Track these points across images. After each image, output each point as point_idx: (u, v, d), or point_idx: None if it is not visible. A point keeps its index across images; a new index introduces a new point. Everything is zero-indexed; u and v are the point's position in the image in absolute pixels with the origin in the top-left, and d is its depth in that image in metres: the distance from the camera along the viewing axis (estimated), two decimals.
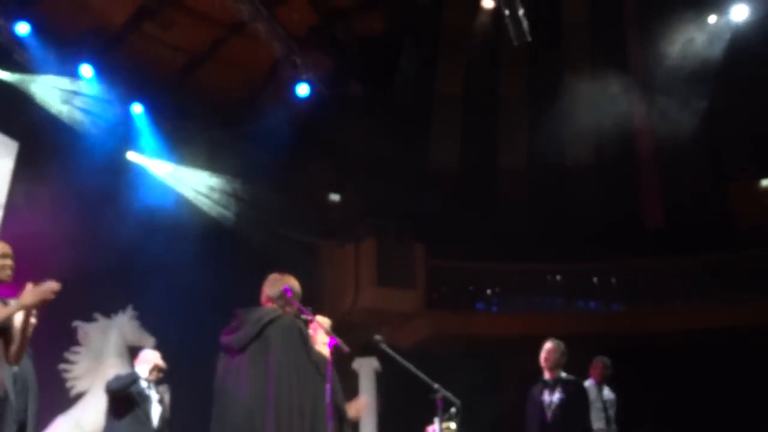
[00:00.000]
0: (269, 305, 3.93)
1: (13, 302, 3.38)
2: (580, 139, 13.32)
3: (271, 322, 3.73)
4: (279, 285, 3.95)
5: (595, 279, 13.09)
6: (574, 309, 12.81)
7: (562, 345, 5.99)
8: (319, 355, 3.84)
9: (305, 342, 3.76)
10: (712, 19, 11.58)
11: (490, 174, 13.98)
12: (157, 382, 6.80)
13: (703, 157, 13.10)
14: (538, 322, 11.86)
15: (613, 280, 13.03)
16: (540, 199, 13.44)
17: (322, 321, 4.25)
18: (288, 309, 3.91)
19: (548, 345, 5.99)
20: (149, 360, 5.62)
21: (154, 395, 5.58)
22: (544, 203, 13.36)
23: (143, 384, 5.48)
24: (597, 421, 6.28)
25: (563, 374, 5.96)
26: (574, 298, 13.05)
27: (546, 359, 5.94)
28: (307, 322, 3.97)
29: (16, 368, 4.51)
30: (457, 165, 13.86)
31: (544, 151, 12.96)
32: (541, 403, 5.84)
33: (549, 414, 5.78)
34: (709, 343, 10.89)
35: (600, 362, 6.70)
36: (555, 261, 13.08)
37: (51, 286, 3.34)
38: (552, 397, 5.82)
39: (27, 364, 4.70)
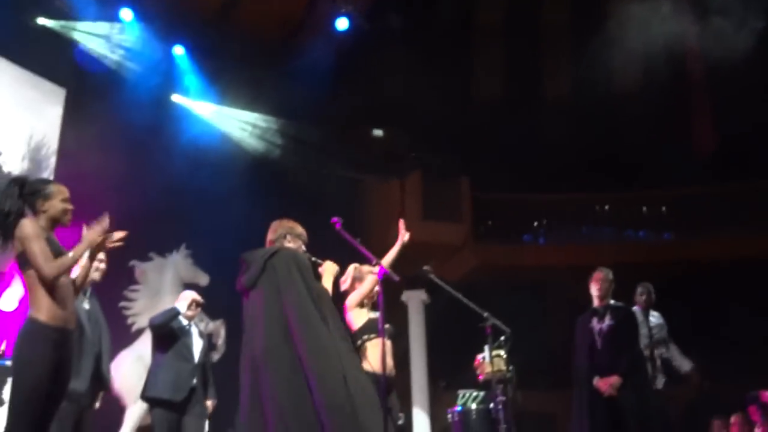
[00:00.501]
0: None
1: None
2: (627, 64, 12.90)
3: (272, 255, 3.91)
4: (280, 229, 4.17)
5: (644, 208, 12.89)
6: (623, 239, 12.68)
7: (610, 273, 6.06)
8: (321, 288, 3.93)
9: (302, 273, 3.86)
10: None
11: (535, 104, 13.72)
12: (210, 319, 7.05)
13: (758, 80, 12.58)
14: (586, 252, 11.79)
15: (663, 208, 12.82)
16: (586, 128, 13.15)
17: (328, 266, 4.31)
18: (290, 245, 4.07)
19: (597, 274, 6.07)
20: (187, 296, 5.82)
21: (194, 330, 5.78)
22: (591, 132, 13.08)
23: (183, 320, 5.68)
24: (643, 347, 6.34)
25: (612, 302, 6.02)
26: (623, 228, 12.91)
27: (596, 287, 5.98)
28: (310, 258, 4.09)
29: (87, 305, 4.76)
30: (500, 96, 13.63)
31: (590, 79, 12.63)
32: (591, 330, 5.94)
33: (599, 340, 5.88)
34: (763, 271, 10.70)
35: (644, 288, 6.69)
36: (603, 191, 12.91)
37: (103, 224, 3.62)
38: (602, 324, 5.92)
39: (95, 303, 4.94)
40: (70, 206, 3.65)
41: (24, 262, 3.43)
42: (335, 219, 4.24)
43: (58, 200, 3.61)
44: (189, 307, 5.74)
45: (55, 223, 3.60)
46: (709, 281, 11.20)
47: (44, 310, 3.37)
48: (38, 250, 3.37)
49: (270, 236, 4.18)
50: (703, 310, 11.00)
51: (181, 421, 5.45)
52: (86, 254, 3.65)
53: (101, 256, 4.68)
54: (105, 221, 3.61)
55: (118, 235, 3.76)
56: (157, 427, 5.48)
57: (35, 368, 3.32)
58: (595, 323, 5.95)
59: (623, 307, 6.08)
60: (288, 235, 4.13)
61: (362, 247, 4.27)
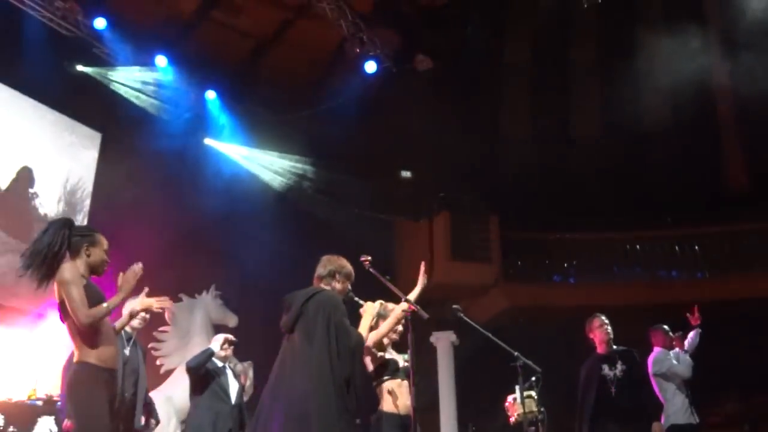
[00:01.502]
0: (316, 284, 4.09)
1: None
2: (656, 102, 12.88)
3: (309, 298, 3.88)
4: (329, 265, 4.12)
5: (676, 247, 12.71)
6: (656, 278, 12.48)
7: (605, 318, 6.04)
8: (351, 335, 3.82)
9: (327, 317, 3.79)
10: None
11: (564, 143, 13.70)
12: (238, 360, 7.05)
13: None
14: (618, 292, 11.63)
15: (696, 247, 12.62)
16: (616, 167, 13.08)
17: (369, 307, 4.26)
18: (337, 286, 4.05)
19: (599, 321, 6.01)
20: (219, 337, 5.85)
21: (228, 371, 5.80)
22: (621, 170, 13.01)
23: (218, 362, 5.71)
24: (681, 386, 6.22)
25: (615, 346, 5.97)
26: (654, 267, 12.72)
27: (602, 334, 5.95)
28: (352, 300, 4.06)
29: (127, 352, 4.84)
30: (529, 135, 13.65)
31: (618, 116, 12.61)
32: (602, 378, 5.83)
33: (614, 388, 5.77)
34: None
35: (659, 330, 6.58)
36: (633, 229, 12.78)
37: (135, 268, 3.75)
38: (614, 371, 5.82)
39: (135, 352, 5.01)
40: (108, 258, 3.78)
41: (65, 311, 3.52)
42: (364, 257, 4.26)
43: (101, 249, 3.73)
44: (222, 347, 5.78)
45: (93, 270, 3.70)
46: (744, 319, 10.95)
47: (92, 353, 3.48)
48: (77, 295, 3.46)
49: (319, 270, 4.13)
50: (740, 348, 10.75)
51: None
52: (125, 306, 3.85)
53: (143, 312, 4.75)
54: (138, 268, 3.70)
55: (164, 303, 4.02)
56: None
57: (95, 408, 3.42)
58: (606, 370, 5.84)
59: (628, 349, 6.00)
60: (337, 275, 4.11)
61: (391, 285, 4.28)
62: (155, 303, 3.99)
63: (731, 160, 13.25)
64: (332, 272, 4.09)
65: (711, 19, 12.75)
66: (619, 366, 5.87)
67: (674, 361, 6.38)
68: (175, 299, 9.02)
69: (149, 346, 8.67)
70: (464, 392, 11.29)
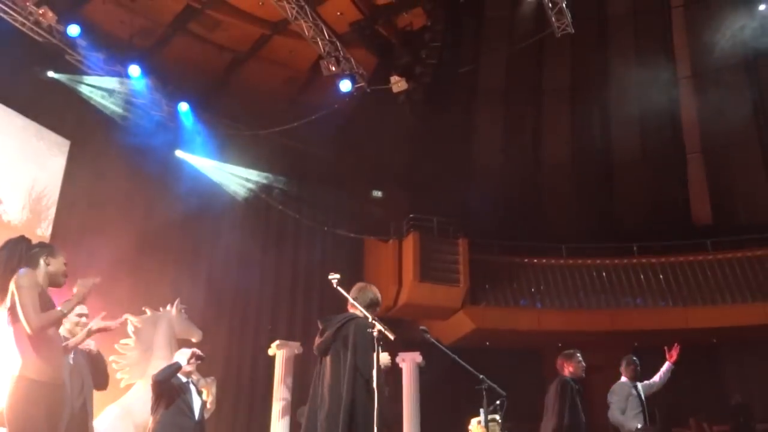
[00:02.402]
0: (351, 310, 4.12)
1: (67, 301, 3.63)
2: (626, 130, 13.13)
3: (347, 321, 3.96)
4: (367, 294, 4.19)
5: (641, 276, 12.88)
6: (620, 305, 12.63)
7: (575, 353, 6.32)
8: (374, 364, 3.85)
9: (355, 343, 3.87)
10: (762, 7, 11.30)
11: (535, 169, 13.88)
12: (202, 376, 6.94)
13: (753, 151, 12.78)
14: (582, 318, 11.76)
15: (661, 276, 12.81)
16: (585, 194, 13.28)
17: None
18: (368, 311, 4.02)
19: (578, 357, 6.28)
20: (185, 351, 5.75)
21: (192, 387, 5.71)
22: (589, 198, 13.20)
23: (182, 377, 5.62)
24: (634, 419, 6.33)
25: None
26: (619, 295, 12.88)
27: (579, 370, 6.23)
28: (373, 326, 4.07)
29: (71, 361, 4.73)
30: (500, 161, 13.79)
31: (588, 143, 12.82)
32: (576, 400, 6.10)
33: (582, 415, 6.06)
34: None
35: (629, 360, 6.70)
36: (600, 257, 12.94)
37: (92, 280, 3.67)
38: (578, 397, 6.12)
39: (80, 359, 4.89)
40: (66, 271, 3.73)
41: (14, 316, 3.43)
42: (332, 275, 4.27)
43: (60, 261, 3.68)
44: (189, 361, 5.68)
45: (52, 281, 3.64)
46: (705, 349, 11.14)
47: (34, 366, 3.39)
48: (29, 300, 3.38)
49: (353, 295, 4.16)
50: (700, 377, 10.90)
51: None
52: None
53: (84, 313, 4.71)
54: (96, 280, 3.66)
55: (92, 279, 3.76)
56: None
57: (30, 425, 3.32)
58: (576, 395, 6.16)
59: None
60: (373, 304, 4.15)
61: (358, 305, 4.27)
62: (113, 324, 3.95)
63: (695, 192, 13.51)
64: (367, 302, 4.13)
65: (680, 53, 13.08)
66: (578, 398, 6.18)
67: (633, 391, 6.48)
68: (139, 312, 8.88)
69: (110, 358, 8.53)
70: (428, 414, 11.25)
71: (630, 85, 12.64)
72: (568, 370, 6.41)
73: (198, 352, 5.75)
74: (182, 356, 5.73)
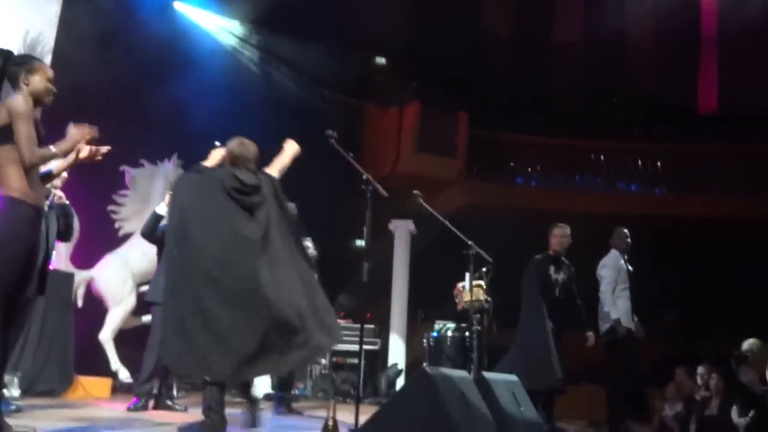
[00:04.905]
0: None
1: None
2: (641, 12, 12.65)
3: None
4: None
5: (639, 162, 12.88)
6: (615, 190, 12.72)
7: (568, 229, 6.55)
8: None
9: None
10: None
11: (544, 46, 13.50)
12: None
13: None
14: (576, 199, 11.85)
15: (659, 163, 12.81)
16: (593, 75, 13.00)
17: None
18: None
19: (563, 230, 6.51)
20: (166, 199, 5.74)
21: None
22: (597, 79, 12.93)
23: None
24: (621, 284, 6.50)
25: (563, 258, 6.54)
26: (616, 180, 12.94)
27: (561, 243, 6.46)
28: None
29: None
30: (509, 35, 13.39)
31: (601, 24, 12.41)
32: (549, 277, 6.35)
33: (557, 290, 6.33)
34: (755, 232, 10.78)
35: (623, 233, 6.80)
36: (600, 139, 12.88)
37: (87, 128, 3.57)
38: (559, 276, 6.39)
39: (53, 216, 4.75)
40: (52, 87, 3.58)
41: (3, 136, 3.34)
42: (330, 132, 4.28)
43: (42, 77, 3.53)
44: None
45: (37, 101, 3.51)
46: (697, 238, 11.32)
47: (18, 188, 3.32)
48: (27, 132, 3.31)
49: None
50: (690, 265, 11.16)
51: None
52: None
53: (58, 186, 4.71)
54: (93, 130, 3.57)
55: (104, 149, 3.66)
56: (156, 326, 5.56)
57: (15, 246, 3.29)
58: (553, 272, 6.41)
59: (570, 264, 6.58)
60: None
61: (353, 161, 4.32)
62: (102, 149, 3.66)
63: (705, 81, 13.24)
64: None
65: None
66: (562, 274, 6.43)
67: (623, 264, 6.60)
68: (137, 165, 8.91)
69: (108, 208, 8.65)
70: (417, 281, 11.60)
71: None
72: (550, 246, 6.54)
73: None
74: (163, 204, 5.79)
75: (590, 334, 6.35)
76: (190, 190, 3.99)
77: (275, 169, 4.21)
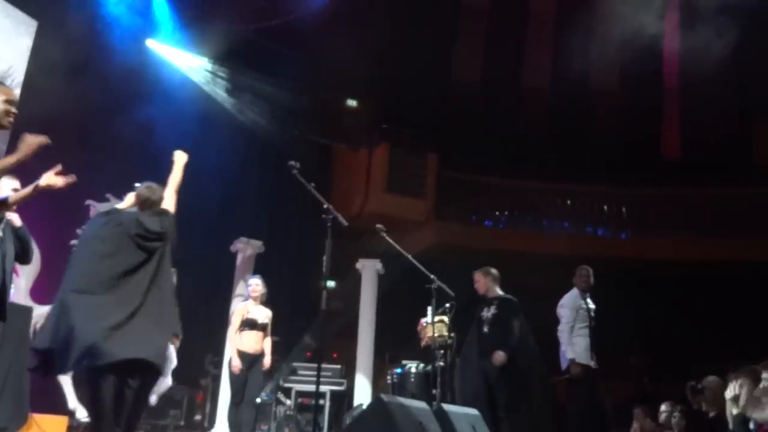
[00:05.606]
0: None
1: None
2: (607, 60, 12.99)
3: None
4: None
5: (605, 206, 13.06)
6: (582, 233, 12.87)
7: (491, 270, 6.74)
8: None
9: None
10: None
11: (512, 90, 13.76)
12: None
13: (729, 92, 12.79)
14: (543, 242, 11.96)
15: (624, 209, 13.00)
16: (559, 120, 13.25)
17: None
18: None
19: (476, 276, 6.75)
20: None
21: None
22: (563, 124, 13.18)
23: None
24: (581, 322, 6.50)
25: (499, 292, 6.63)
26: (583, 223, 13.09)
27: (479, 287, 6.67)
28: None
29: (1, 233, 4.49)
30: (478, 78, 13.63)
31: (567, 71, 12.69)
32: (479, 318, 6.48)
33: (485, 327, 6.43)
34: (718, 275, 10.95)
35: (585, 270, 6.84)
36: (567, 183, 13.06)
37: (40, 138, 3.43)
38: (488, 313, 6.49)
39: (8, 231, 4.64)
40: (13, 109, 3.46)
41: None
42: (292, 163, 4.32)
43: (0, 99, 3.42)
44: None
45: None
46: (658, 280, 11.45)
47: None
48: None
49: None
50: (650, 307, 11.26)
51: None
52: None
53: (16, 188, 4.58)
54: (43, 139, 3.42)
55: (40, 138, 3.45)
56: None
57: None
58: (484, 312, 6.54)
59: (506, 297, 6.66)
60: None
61: (315, 192, 4.34)
62: (60, 181, 3.60)
63: (668, 127, 13.57)
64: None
65: None
66: (492, 309, 6.54)
67: (582, 304, 6.61)
68: (102, 199, 8.83)
69: (71, 243, 8.49)
70: (384, 321, 11.53)
71: (615, 15, 12.41)
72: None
73: None
74: None
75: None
76: (95, 227, 4.47)
77: (172, 189, 4.54)
